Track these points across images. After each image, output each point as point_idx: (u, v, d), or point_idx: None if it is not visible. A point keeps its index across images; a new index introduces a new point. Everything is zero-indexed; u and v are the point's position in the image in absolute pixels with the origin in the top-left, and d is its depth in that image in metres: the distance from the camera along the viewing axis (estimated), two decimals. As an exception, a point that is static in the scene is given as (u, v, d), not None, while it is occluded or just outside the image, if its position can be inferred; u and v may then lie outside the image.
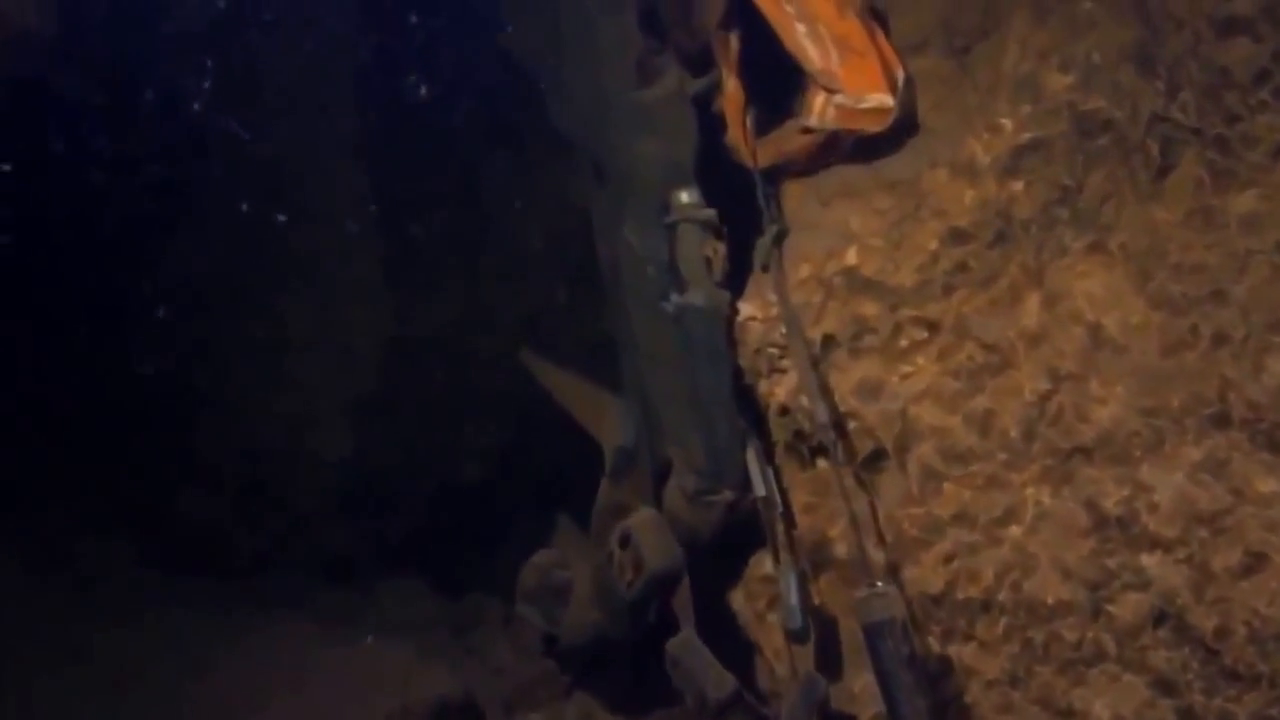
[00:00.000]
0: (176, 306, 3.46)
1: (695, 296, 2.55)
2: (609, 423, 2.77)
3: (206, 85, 3.33)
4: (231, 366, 3.48)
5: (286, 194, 3.46)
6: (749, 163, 2.69)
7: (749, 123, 2.73)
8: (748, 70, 2.76)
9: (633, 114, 2.69)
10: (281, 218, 3.45)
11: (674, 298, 2.56)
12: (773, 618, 2.57)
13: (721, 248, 2.59)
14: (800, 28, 2.55)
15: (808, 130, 2.59)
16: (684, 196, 2.60)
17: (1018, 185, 2.37)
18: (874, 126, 2.54)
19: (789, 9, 2.56)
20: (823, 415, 2.36)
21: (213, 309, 3.46)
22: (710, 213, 2.60)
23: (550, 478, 3.37)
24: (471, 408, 3.61)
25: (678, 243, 2.59)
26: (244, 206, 3.43)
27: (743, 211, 2.67)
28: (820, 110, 2.55)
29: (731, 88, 2.76)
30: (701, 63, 2.85)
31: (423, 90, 3.50)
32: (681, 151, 2.65)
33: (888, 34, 2.62)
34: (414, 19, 3.46)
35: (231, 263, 3.45)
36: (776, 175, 2.70)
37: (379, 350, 3.57)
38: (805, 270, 2.53)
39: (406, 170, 3.52)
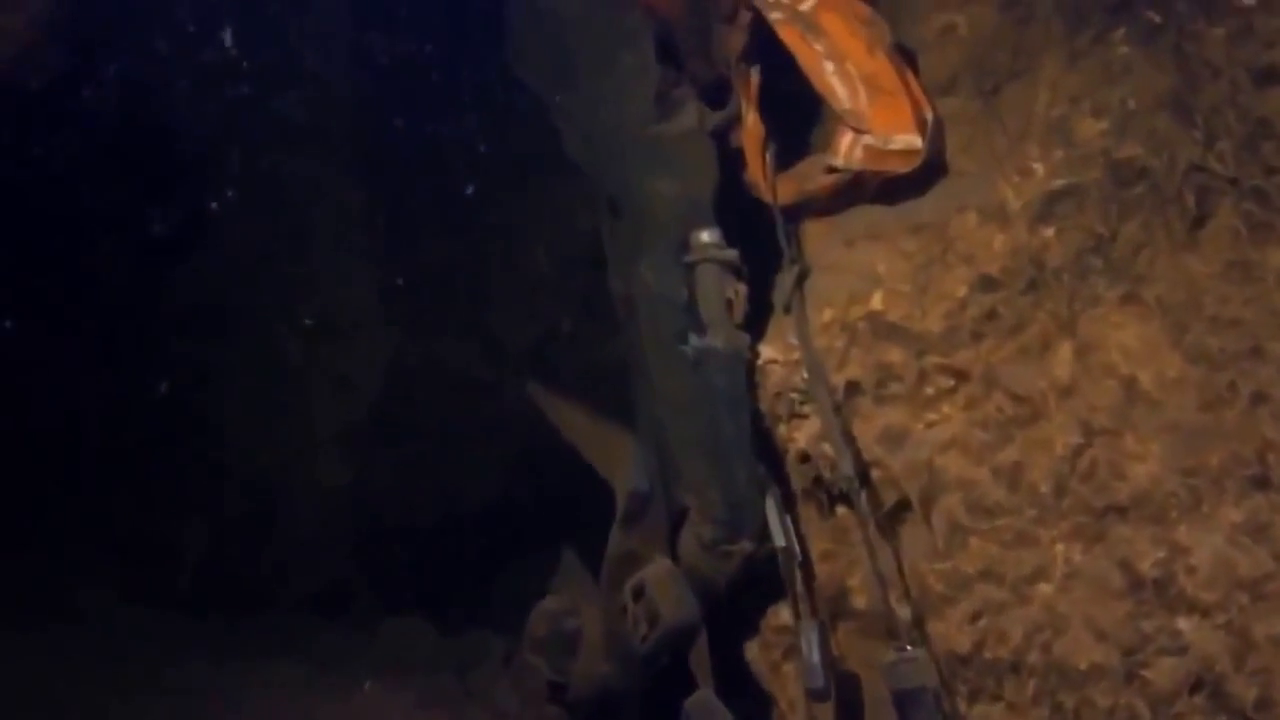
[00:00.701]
0: (174, 334, 3.37)
1: (715, 339, 2.46)
2: (621, 465, 2.69)
3: (212, 111, 3.26)
4: (230, 394, 3.40)
5: (289, 220, 3.39)
6: (769, 200, 2.62)
7: (769, 159, 2.66)
8: (767, 103, 2.70)
9: (651, 149, 2.62)
10: (283, 244, 3.37)
11: (693, 340, 2.48)
12: (788, 668, 2.51)
13: (743, 289, 2.51)
14: (828, 66, 2.50)
15: (833, 170, 2.52)
16: (704, 236, 2.53)
17: (1049, 232, 2.31)
18: (902, 168, 2.47)
19: (817, 46, 2.50)
20: (846, 464, 2.30)
21: (211, 336, 3.38)
22: (732, 253, 2.53)
23: (555, 511, 3.29)
24: (475, 438, 3.53)
25: (697, 283, 2.51)
26: (246, 233, 3.35)
27: (762, 250, 2.60)
28: (847, 150, 2.48)
29: (751, 122, 2.70)
30: (717, 93, 2.78)
31: (430, 115, 3.44)
32: (701, 189, 2.58)
33: (916, 73, 2.56)
34: (420, 44, 3.39)
35: (231, 289, 3.37)
36: (798, 214, 2.63)
37: (381, 378, 3.49)
38: (828, 314, 2.46)
39: (411, 195, 3.46)
